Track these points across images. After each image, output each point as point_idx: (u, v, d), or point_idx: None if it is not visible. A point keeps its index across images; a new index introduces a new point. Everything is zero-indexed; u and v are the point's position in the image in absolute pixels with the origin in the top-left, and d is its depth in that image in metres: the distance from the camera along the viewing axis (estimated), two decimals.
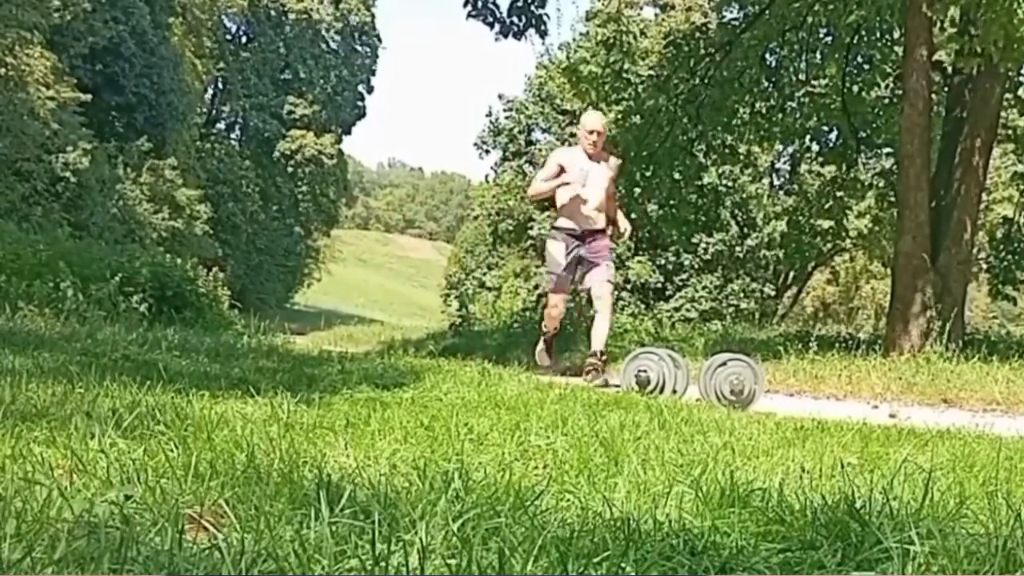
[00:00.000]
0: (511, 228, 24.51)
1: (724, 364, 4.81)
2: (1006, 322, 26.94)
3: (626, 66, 12.75)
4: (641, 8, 15.33)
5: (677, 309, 21.17)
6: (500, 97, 26.77)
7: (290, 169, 43.74)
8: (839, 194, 13.88)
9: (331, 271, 52.21)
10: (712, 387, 4.79)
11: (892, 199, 12.22)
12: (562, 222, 6.14)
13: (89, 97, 26.67)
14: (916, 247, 8.53)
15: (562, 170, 6.08)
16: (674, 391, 4.87)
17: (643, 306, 20.65)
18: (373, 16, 46.95)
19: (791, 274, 24.03)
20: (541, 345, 6.48)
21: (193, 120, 37.25)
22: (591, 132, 6.09)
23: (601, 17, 13.32)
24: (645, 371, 4.93)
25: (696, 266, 22.14)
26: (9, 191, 23.17)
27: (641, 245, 21.89)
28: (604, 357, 5.86)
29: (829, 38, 12.35)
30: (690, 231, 17.37)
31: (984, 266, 13.96)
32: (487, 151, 26.88)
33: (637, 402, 3.47)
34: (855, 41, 11.83)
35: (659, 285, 21.99)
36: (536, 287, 22.74)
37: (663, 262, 21.98)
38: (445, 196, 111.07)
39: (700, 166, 14.16)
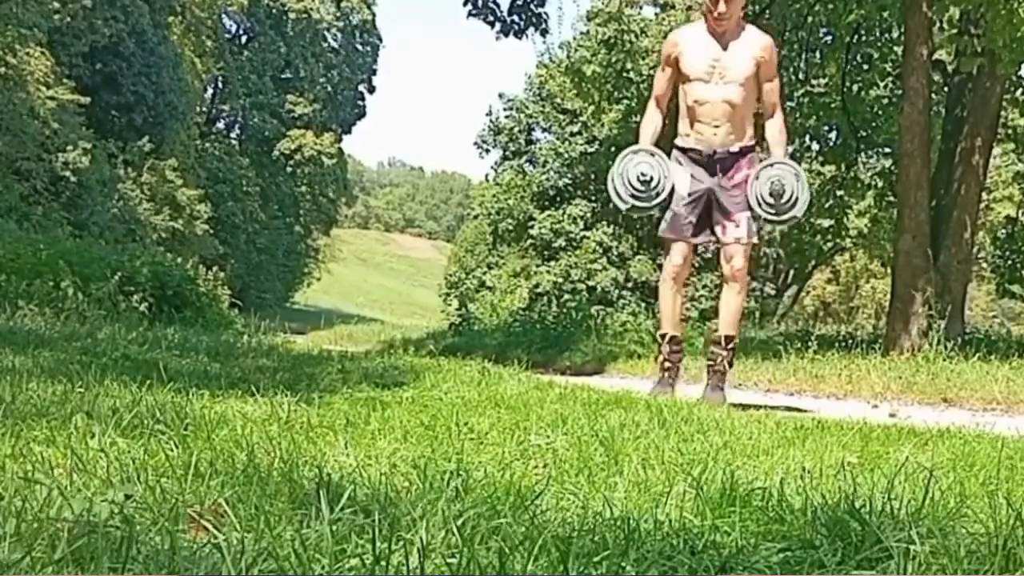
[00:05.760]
0: (511, 227, 24.51)
1: (770, 166, 4.25)
2: (1006, 321, 26.97)
3: (627, 65, 12.75)
4: (641, 8, 15.34)
5: None
6: (500, 96, 26.77)
7: (290, 168, 43.75)
8: (839, 193, 13.90)
9: (331, 270, 52.20)
10: (754, 191, 4.21)
11: (892, 198, 12.24)
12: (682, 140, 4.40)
13: (88, 100, 26.67)
14: (916, 246, 8.55)
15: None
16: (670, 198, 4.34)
17: (643, 305, 20.63)
18: (374, 15, 46.97)
19: (791, 273, 24.05)
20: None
21: (193, 119, 37.24)
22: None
23: (602, 16, 13.32)
24: (647, 171, 4.27)
25: (696, 265, 22.13)
26: (9, 191, 23.18)
27: (642, 244, 21.88)
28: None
29: (829, 38, 12.36)
30: None
31: (985, 265, 14.01)
32: (487, 150, 26.89)
33: (637, 401, 3.47)
34: (855, 40, 11.84)
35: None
36: (536, 286, 22.65)
37: (664, 261, 21.92)
38: (445, 195, 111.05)
39: None
